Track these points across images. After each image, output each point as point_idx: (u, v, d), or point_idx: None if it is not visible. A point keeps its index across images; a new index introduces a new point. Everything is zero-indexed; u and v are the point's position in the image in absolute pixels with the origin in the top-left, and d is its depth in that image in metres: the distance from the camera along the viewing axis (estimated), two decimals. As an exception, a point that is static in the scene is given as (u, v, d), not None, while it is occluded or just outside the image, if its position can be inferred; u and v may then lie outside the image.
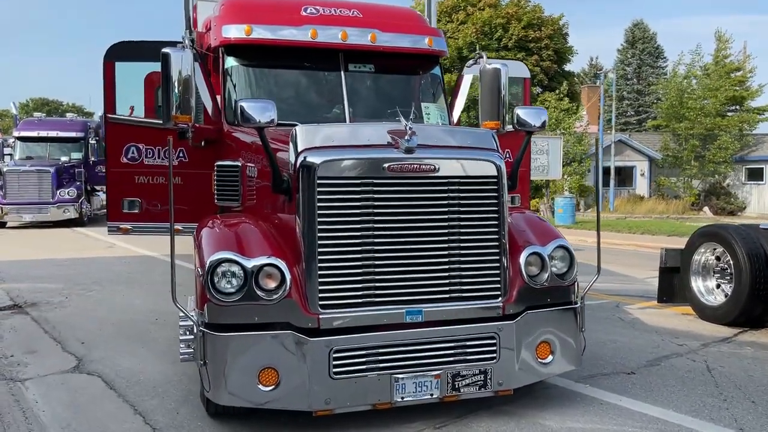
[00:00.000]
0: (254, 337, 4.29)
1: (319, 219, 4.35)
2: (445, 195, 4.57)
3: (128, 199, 6.63)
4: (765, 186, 34.71)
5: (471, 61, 7.20)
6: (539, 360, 4.81)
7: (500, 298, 4.69)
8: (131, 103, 7.14)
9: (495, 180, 4.68)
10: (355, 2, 6.78)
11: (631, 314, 8.56)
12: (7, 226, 21.59)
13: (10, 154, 24.52)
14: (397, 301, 4.49)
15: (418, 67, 6.89)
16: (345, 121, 6.07)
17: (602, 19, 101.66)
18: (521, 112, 4.97)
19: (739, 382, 5.66)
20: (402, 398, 4.45)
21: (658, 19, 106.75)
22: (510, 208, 5.14)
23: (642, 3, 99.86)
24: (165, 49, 5.65)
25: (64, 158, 23.57)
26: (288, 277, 4.35)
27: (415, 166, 4.49)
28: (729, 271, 7.97)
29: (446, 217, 4.58)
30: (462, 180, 4.61)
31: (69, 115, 29.89)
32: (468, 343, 4.59)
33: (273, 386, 4.29)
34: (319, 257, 4.34)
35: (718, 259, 8.23)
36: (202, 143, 6.34)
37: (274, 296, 4.32)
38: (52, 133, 23.83)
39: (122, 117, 6.73)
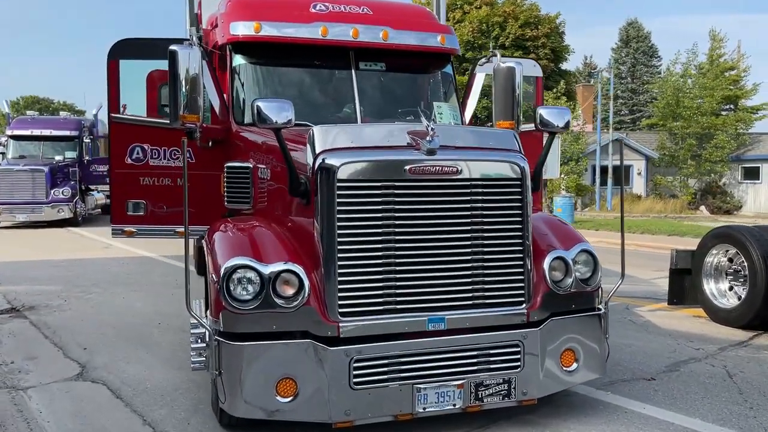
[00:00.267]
0: (272, 346, 4.12)
1: (338, 223, 4.19)
2: (468, 198, 4.42)
3: (133, 201, 6.44)
4: (761, 185, 34.76)
5: (483, 60, 7.04)
6: (564, 368, 4.66)
7: (524, 305, 4.54)
8: (134, 102, 6.92)
9: (519, 182, 4.53)
10: None
11: (642, 317, 8.44)
12: (0, 226, 21.29)
13: (3, 153, 24.21)
14: (418, 309, 4.33)
15: (430, 65, 6.73)
16: (356, 121, 5.90)
17: (596, 18, 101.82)
18: (544, 111, 4.82)
19: (763, 388, 5.53)
20: (424, 409, 4.30)
21: (653, 18, 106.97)
22: None
23: (636, 2, 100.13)
24: (172, 47, 5.47)
25: (58, 157, 23.29)
26: (306, 283, 4.19)
27: (438, 168, 4.33)
28: (743, 273, 7.85)
29: (469, 221, 4.42)
30: (485, 182, 4.45)
31: (63, 114, 29.61)
32: (491, 351, 4.44)
33: (291, 397, 4.13)
34: (339, 263, 4.18)
35: (730, 260, 8.11)
36: (210, 143, 6.16)
37: (293, 304, 4.15)
38: (46, 132, 23.55)
39: (127, 116, 6.53)
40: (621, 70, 59.93)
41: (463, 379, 4.36)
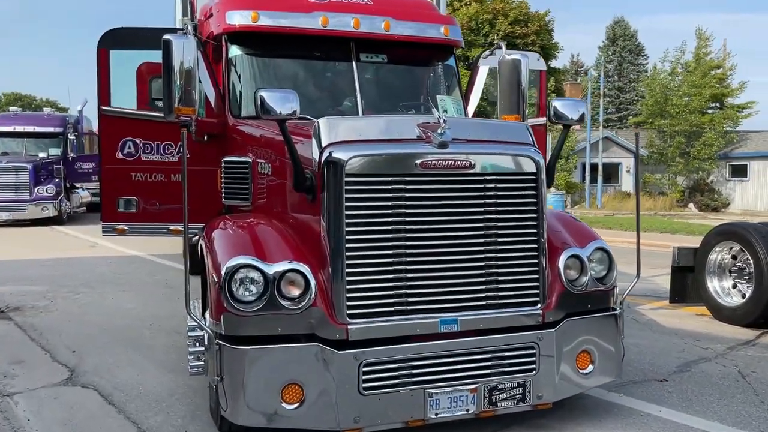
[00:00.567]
0: (276, 350, 3.89)
1: (347, 220, 3.97)
2: (482, 193, 4.21)
3: (124, 198, 6.18)
4: (749, 182, 34.96)
5: (487, 52, 6.86)
6: (579, 371, 4.48)
7: (539, 305, 4.34)
8: (125, 94, 6.64)
9: (534, 177, 4.34)
10: None
11: (645, 315, 8.29)
12: (-18, 224, 20.84)
13: (-15, 151, 23.70)
14: (430, 309, 4.13)
15: (433, 57, 6.54)
16: (358, 114, 5.69)
17: (583, 16, 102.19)
18: (558, 104, 4.63)
19: (778, 389, 5.40)
20: (436, 414, 4.09)
21: (639, 17, 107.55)
22: None
23: (623, 1, 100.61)
24: (167, 36, 5.21)
25: (41, 154, 22.77)
26: (313, 283, 3.97)
27: (450, 162, 4.12)
28: (748, 270, 7.73)
29: (482, 217, 4.22)
30: (499, 177, 4.25)
31: (46, 110, 29.06)
32: (506, 353, 4.24)
33: (297, 404, 3.90)
34: (347, 261, 3.96)
35: (734, 258, 7.98)
36: (205, 138, 5.92)
37: (299, 305, 3.93)
38: (29, 128, 23.04)
39: (118, 109, 6.26)
40: (608, 69, 60.09)
41: (477, 383, 4.16)
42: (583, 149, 34.05)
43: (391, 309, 4.05)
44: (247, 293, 3.93)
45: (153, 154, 6.19)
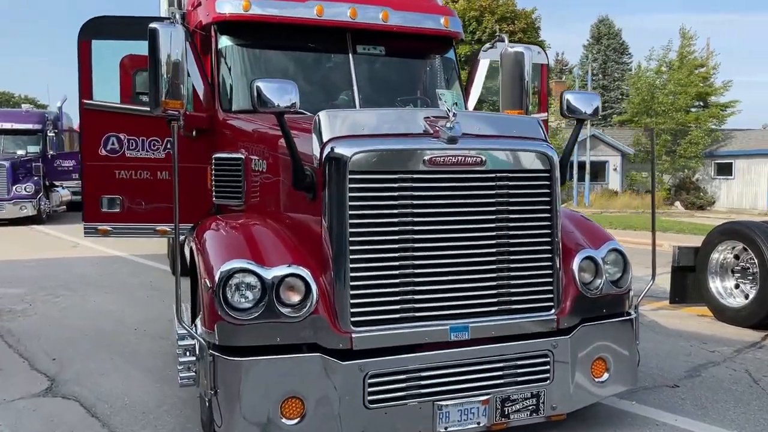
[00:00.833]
0: (276, 361, 3.60)
1: (350, 220, 3.68)
2: (493, 191, 3.95)
3: (107, 197, 5.83)
4: (734, 181, 35.09)
5: (488, 45, 6.59)
6: (595, 379, 4.24)
7: (554, 310, 4.09)
8: (107, 88, 6.29)
9: (548, 174, 4.08)
10: None
11: (646, 316, 8.09)
12: (-42, 224, 20.24)
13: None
14: (439, 316, 3.86)
15: (432, 49, 6.27)
16: (355, 109, 5.40)
17: (567, 14, 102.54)
18: (571, 97, 4.37)
19: (793, 395, 5.20)
20: (446, 428, 3.83)
21: (623, 16, 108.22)
22: None
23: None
24: (153, 24, 4.87)
25: (20, 152, 22.17)
26: (314, 288, 3.68)
27: (460, 158, 3.85)
28: (751, 270, 7.56)
29: (494, 216, 3.96)
30: (512, 174, 3.99)
31: (25, 107, 28.37)
32: (519, 362, 3.99)
33: (298, 419, 3.62)
34: (352, 265, 3.68)
35: (736, 257, 7.82)
36: (193, 133, 5.59)
37: (299, 312, 3.64)
38: (7, 125, 22.41)
39: (101, 103, 5.91)
40: (593, 67, 60.24)
41: (489, 394, 3.91)
42: (569, 147, 33.91)
43: (398, 316, 3.78)
44: (243, 300, 3.64)
45: (138, 151, 5.85)
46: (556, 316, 4.08)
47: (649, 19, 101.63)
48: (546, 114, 7.08)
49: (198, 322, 4.23)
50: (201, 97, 5.61)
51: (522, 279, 4.02)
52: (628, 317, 4.41)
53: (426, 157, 3.79)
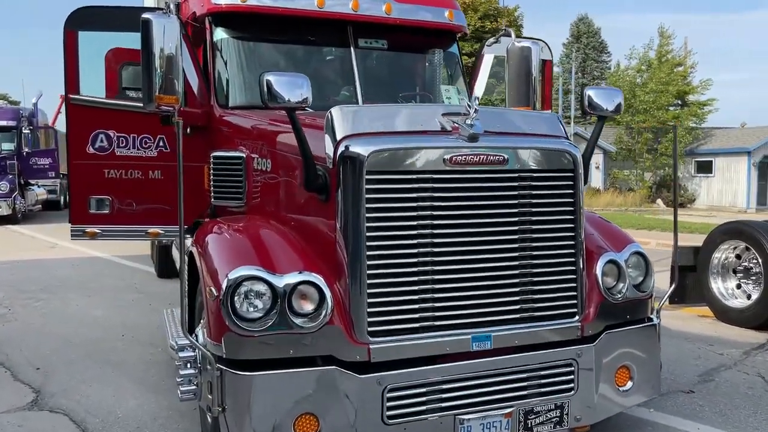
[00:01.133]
0: (289, 375, 3.34)
1: (367, 223, 3.44)
2: (516, 192, 3.73)
3: (96, 198, 5.50)
4: (714, 178, 35.42)
5: (492, 39, 6.38)
6: (618, 388, 4.04)
7: (577, 317, 3.89)
8: (95, 82, 5.96)
9: (572, 173, 3.88)
10: None
11: (647, 317, 7.95)
12: (-70, 224, 19.59)
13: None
14: (461, 325, 3.63)
15: (436, 44, 6.04)
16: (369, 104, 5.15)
17: (547, 13, 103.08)
18: (593, 93, 4.17)
19: (811, 400, 5.07)
20: (467, 443, 3.61)
21: (602, 15, 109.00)
22: None
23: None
24: (146, 15, 4.59)
25: (-7, 149, 21.60)
26: (329, 296, 3.43)
27: (482, 157, 3.63)
28: (754, 270, 7.46)
29: (517, 219, 3.74)
30: (535, 174, 3.78)
31: (-2, 103, 27.64)
32: (543, 372, 3.77)
33: (311, 437, 3.37)
34: (369, 271, 3.43)
35: (738, 257, 7.72)
36: (188, 130, 5.29)
37: (313, 322, 3.39)
38: (-21, 122, 21.80)
39: (89, 98, 5.58)
40: (572, 65, 60.56)
41: (512, 406, 3.69)
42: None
43: (417, 325, 3.55)
44: (253, 309, 3.38)
45: (129, 149, 5.53)
46: (580, 324, 3.88)
47: (630, 19, 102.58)
48: (550, 111, 6.89)
49: (199, 332, 3.97)
50: (195, 93, 5.31)
51: (545, 284, 3.81)
52: (651, 323, 4.22)
53: (446, 156, 3.56)
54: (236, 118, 5.00)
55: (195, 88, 5.31)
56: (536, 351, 3.78)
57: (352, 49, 5.47)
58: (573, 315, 3.88)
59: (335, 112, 3.63)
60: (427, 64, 6.16)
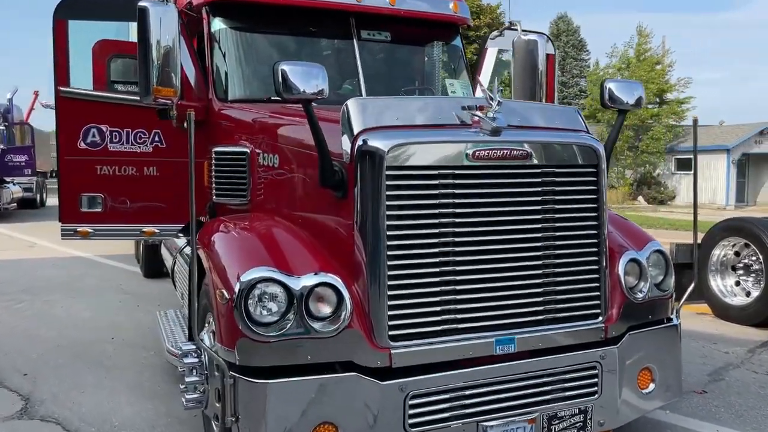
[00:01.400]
0: (307, 383, 3.16)
1: (388, 222, 3.26)
2: (540, 188, 3.58)
3: (87, 195, 5.25)
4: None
5: (495, 33, 6.24)
6: (641, 391, 3.92)
7: (601, 318, 3.75)
8: (86, 73, 5.69)
9: (595, 168, 3.74)
10: None
11: (646, 315, 7.89)
12: None
13: None
14: (484, 327, 3.47)
15: (439, 36, 5.88)
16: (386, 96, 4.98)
17: (528, 11, 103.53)
18: (613, 86, 4.03)
19: (824, 399, 5.01)
20: (491, 451, 3.45)
21: (581, 14, 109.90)
22: None
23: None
24: (142, 3, 4.37)
25: (-33, 146, 21.03)
26: (347, 299, 3.25)
27: (506, 151, 3.47)
28: (754, 267, 7.43)
29: (540, 216, 3.59)
30: (559, 169, 3.63)
31: (-28, 98, 26.90)
32: (567, 376, 3.63)
33: (331, 448, 3.19)
34: (389, 272, 3.26)
35: (737, 254, 7.68)
36: (184, 124, 5.06)
37: (332, 326, 3.21)
38: (-48, 118, 21.23)
39: (80, 91, 5.32)
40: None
41: (536, 412, 3.55)
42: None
43: (439, 328, 3.38)
44: (267, 313, 3.19)
45: (122, 144, 5.28)
46: (604, 325, 3.75)
47: (607, 18, 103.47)
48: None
49: (205, 336, 3.76)
50: (192, 85, 5.09)
51: (569, 284, 3.67)
52: (673, 323, 4.10)
53: (469, 151, 3.40)
54: (238, 112, 4.79)
55: (192, 81, 5.08)
56: (560, 354, 3.63)
57: (354, 41, 5.29)
58: (597, 316, 3.74)
59: (352, 104, 3.44)
60: (430, 56, 5.99)
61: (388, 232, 3.27)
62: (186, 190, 5.12)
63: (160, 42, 4.39)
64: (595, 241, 3.73)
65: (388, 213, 3.27)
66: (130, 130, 5.29)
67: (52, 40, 5.14)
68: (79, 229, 5.24)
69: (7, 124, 22.22)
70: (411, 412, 3.27)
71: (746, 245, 7.51)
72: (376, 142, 3.30)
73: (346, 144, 3.40)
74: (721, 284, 7.70)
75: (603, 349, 3.73)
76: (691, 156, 32.32)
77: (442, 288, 3.38)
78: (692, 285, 4.33)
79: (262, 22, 5.24)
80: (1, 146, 21.66)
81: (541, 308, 3.61)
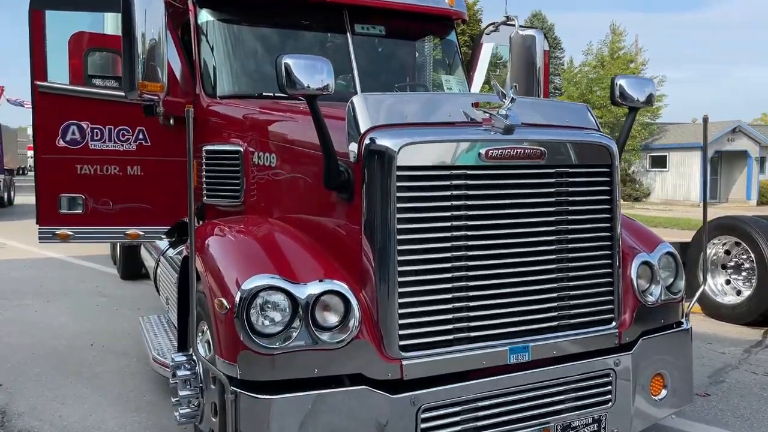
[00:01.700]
0: (314, 398, 2.96)
1: (398, 225, 3.08)
2: (554, 189, 3.43)
3: (67, 196, 4.97)
4: (668, 173, 36.20)
5: (491, 27, 6.08)
6: (653, 398, 3.80)
7: (614, 323, 3.62)
8: (61, 69, 5.40)
9: (608, 168, 3.60)
10: None
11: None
12: None
13: None
14: (497, 335, 3.31)
15: (435, 31, 5.72)
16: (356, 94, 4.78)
17: (502, 8, 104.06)
18: (624, 82, 3.89)
19: (826, 400, 4.96)
20: (504, 464, 3.29)
21: (555, 12, 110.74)
22: None
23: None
24: None
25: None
26: (356, 308, 3.06)
27: (519, 151, 3.31)
28: (745, 266, 7.40)
29: (554, 218, 3.44)
30: (573, 169, 3.48)
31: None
32: (580, 384, 3.49)
33: (339, 466, 3.00)
34: (400, 279, 3.08)
35: (727, 253, 7.65)
36: (171, 121, 4.83)
37: (340, 337, 3.01)
38: None
39: (58, 85, 5.04)
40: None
41: (549, 422, 3.40)
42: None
43: (452, 337, 3.21)
44: (270, 323, 2.98)
45: (104, 142, 5.01)
46: (617, 330, 3.61)
47: (582, 18, 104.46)
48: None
49: (200, 346, 3.52)
50: (179, 80, 4.85)
51: (583, 289, 3.53)
52: (685, 328, 3.99)
53: (482, 150, 3.23)
54: (229, 108, 4.57)
55: (178, 76, 4.85)
56: (573, 362, 3.49)
57: (348, 35, 5.08)
58: (610, 321, 3.60)
59: (357, 100, 3.25)
60: (425, 51, 5.82)
61: (399, 236, 3.09)
62: (172, 190, 4.96)
63: (145, 35, 4.14)
64: (609, 243, 3.60)
65: (399, 216, 3.08)
66: (112, 127, 5.02)
67: (28, 32, 4.85)
68: (58, 231, 4.96)
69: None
70: (423, 426, 3.09)
71: (737, 243, 7.48)
72: (386, 141, 3.11)
73: (352, 143, 3.20)
74: (712, 283, 7.66)
75: (617, 355, 3.60)
76: (666, 153, 32.63)
77: (455, 294, 3.21)
78: (702, 288, 4.22)
79: (252, 14, 5.01)
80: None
81: (555, 314, 3.46)
